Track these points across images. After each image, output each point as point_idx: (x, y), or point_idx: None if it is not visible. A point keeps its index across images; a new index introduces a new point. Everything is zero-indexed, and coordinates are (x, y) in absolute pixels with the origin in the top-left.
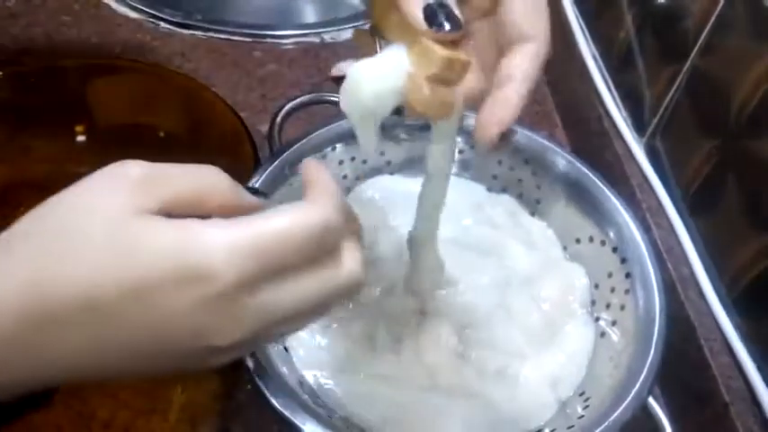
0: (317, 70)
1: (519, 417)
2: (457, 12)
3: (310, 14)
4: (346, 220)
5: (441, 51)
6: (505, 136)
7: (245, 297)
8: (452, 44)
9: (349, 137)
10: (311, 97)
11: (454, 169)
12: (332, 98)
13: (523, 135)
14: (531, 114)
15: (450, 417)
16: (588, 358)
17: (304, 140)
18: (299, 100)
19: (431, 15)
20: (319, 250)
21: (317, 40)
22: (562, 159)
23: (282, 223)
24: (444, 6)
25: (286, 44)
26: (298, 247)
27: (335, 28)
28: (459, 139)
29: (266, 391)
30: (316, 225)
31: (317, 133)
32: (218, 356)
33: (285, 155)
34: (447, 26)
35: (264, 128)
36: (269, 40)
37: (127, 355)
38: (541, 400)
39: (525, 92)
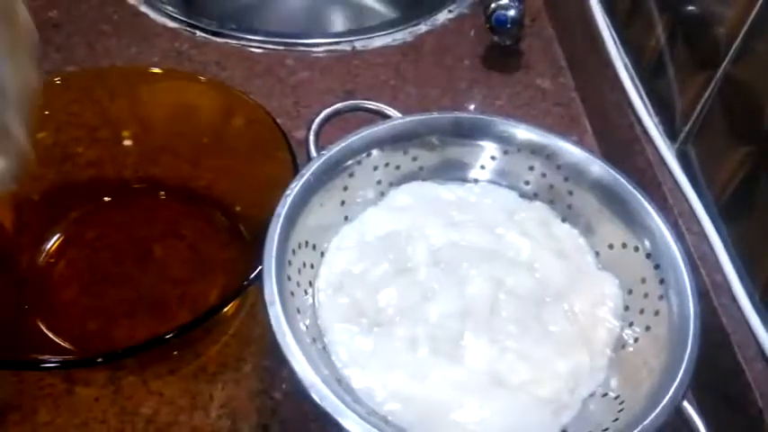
0: (349, 78)
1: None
2: None
3: (339, 23)
4: None
5: None
6: None
7: None
8: None
9: (384, 143)
10: (349, 104)
11: (489, 176)
12: (369, 106)
13: (555, 141)
14: (559, 120)
15: (482, 416)
16: (616, 366)
17: (343, 145)
18: (336, 106)
19: None
20: None
21: (348, 47)
22: (595, 165)
23: None
24: None
25: (317, 52)
26: None
27: (366, 36)
28: (493, 145)
29: (306, 386)
30: None
31: (354, 138)
32: None
33: (323, 160)
34: None
35: (298, 134)
36: (301, 48)
37: None
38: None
39: None
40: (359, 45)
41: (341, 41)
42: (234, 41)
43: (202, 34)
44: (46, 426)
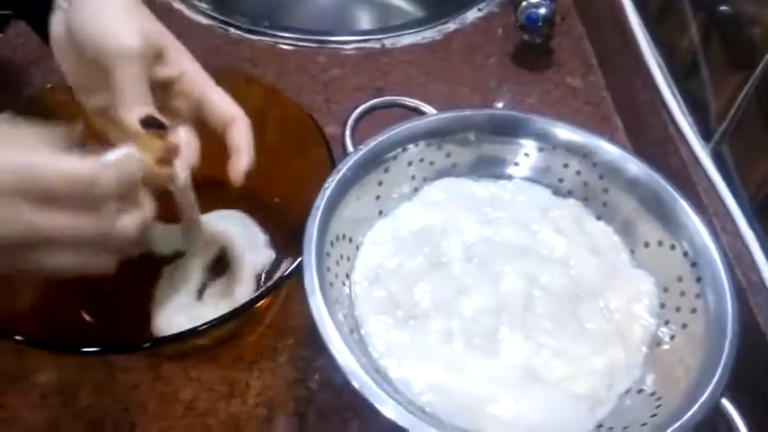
0: (379, 75)
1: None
2: (160, 117)
3: (366, 21)
4: (122, 191)
5: (160, 143)
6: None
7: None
8: (163, 135)
9: (419, 139)
10: (384, 100)
11: (523, 173)
12: (405, 102)
13: (592, 140)
14: (590, 119)
15: (518, 410)
16: (651, 363)
17: (379, 140)
18: (371, 102)
19: (146, 124)
20: (87, 197)
21: (377, 45)
22: (632, 164)
23: (54, 161)
24: (152, 116)
25: (348, 50)
26: (63, 183)
27: (395, 34)
28: (528, 143)
29: (347, 372)
30: (82, 176)
31: (389, 134)
32: None
33: (360, 155)
34: (159, 127)
35: (331, 130)
36: (332, 45)
37: None
38: (596, 396)
39: (251, 149)
40: (388, 43)
41: (370, 39)
42: (267, 38)
43: (236, 31)
44: (88, 409)
